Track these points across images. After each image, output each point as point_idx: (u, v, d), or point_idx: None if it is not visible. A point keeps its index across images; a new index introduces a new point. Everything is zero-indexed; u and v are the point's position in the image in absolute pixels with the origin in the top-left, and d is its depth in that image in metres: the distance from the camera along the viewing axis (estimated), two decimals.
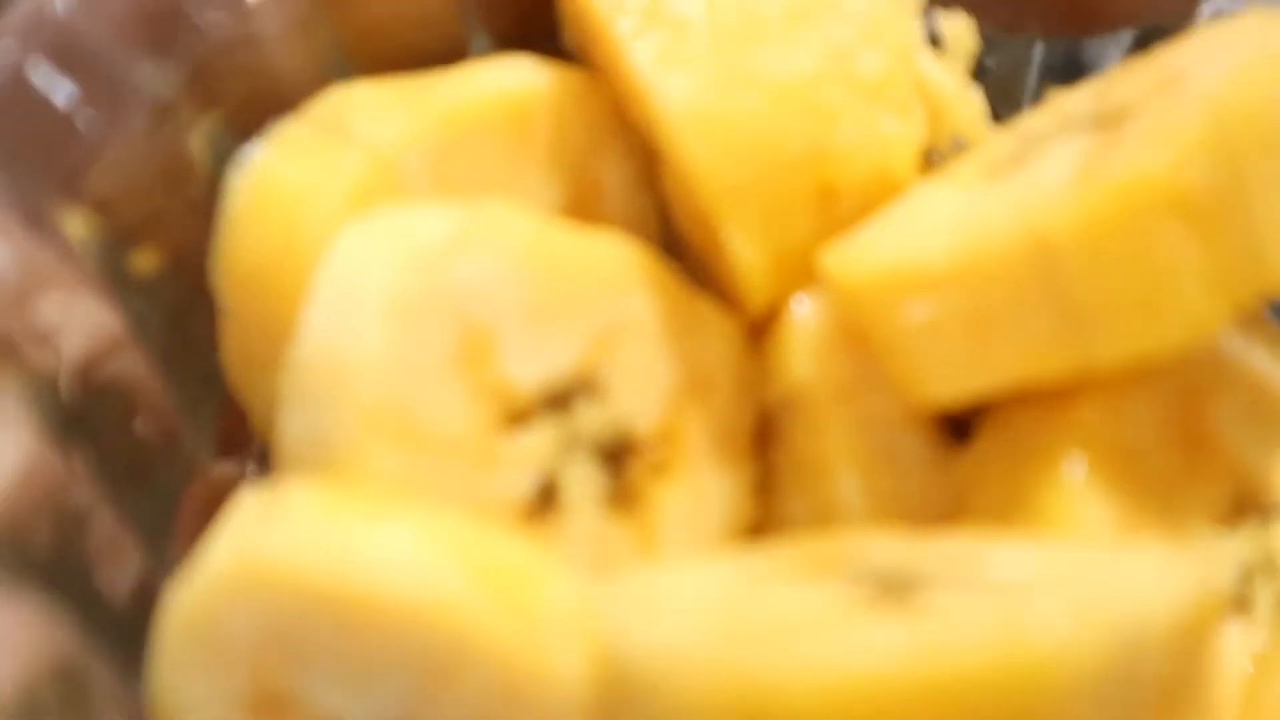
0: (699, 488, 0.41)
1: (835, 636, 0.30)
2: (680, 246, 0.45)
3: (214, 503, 0.44)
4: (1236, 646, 0.38)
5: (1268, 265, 0.36)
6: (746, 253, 0.41)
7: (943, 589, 0.32)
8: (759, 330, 0.43)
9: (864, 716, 0.29)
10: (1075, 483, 0.37)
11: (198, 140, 0.42)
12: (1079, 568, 0.33)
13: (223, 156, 0.42)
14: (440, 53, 0.45)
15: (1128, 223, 0.35)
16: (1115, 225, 0.35)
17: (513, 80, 0.43)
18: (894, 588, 0.32)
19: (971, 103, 0.44)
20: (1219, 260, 0.36)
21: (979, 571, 0.33)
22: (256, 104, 0.42)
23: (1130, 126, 0.37)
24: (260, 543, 0.35)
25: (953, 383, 0.38)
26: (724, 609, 0.32)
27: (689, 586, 0.34)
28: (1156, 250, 0.35)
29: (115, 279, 0.40)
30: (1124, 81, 0.40)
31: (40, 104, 0.38)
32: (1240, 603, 0.38)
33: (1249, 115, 0.35)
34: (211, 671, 0.35)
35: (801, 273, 0.41)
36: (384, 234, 0.39)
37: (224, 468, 0.45)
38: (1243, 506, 0.39)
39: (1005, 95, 0.47)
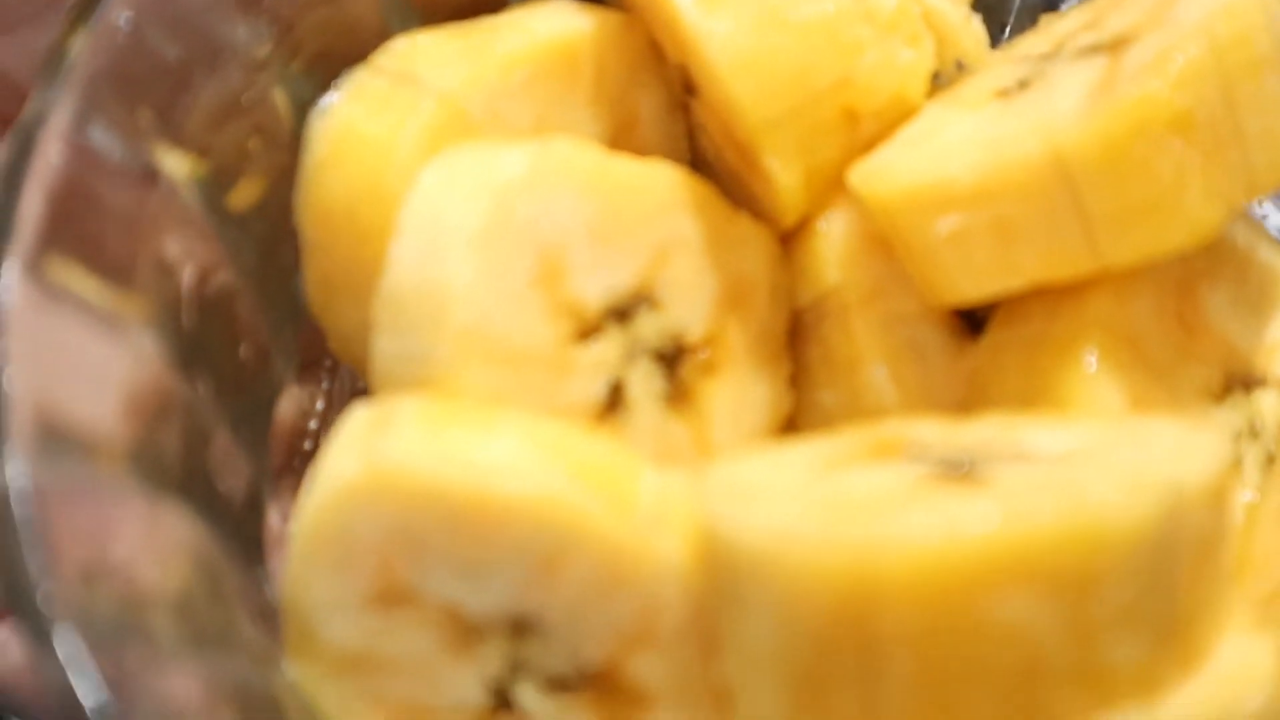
0: (742, 383, 0.45)
1: (922, 510, 0.34)
2: (706, 166, 0.48)
3: (300, 415, 0.47)
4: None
5: (1257, 173, 0.40)
6: (783, 176, 0.44)
7: (999, 463, 0.35)
8: (787, 241, 0.46)
9: (958, 579, 0.32)
10: (1089, 368, 0.41)
11: (281, 90, 0.44)
12: (1114, 441, 0.36)
13: (303, 104, 0.44)
14: None
15: (1135, 140, 0.39)
16: (1125, 142, 0.39)
17: (560, 26, 0.46)
18: (954, 465, 0.36)
19: (973, 30, 0.47)
20: (1215, 171, 0.39)
21: (1023, 448, 0.36)
22: (331, 55, 0.45)
23: (1132, 54, 0.40)
24: (381, 452, 0.37)
25: (977, 286, 0.42)
26: (812, 491, 0.36)
27: (773, 473, 0.37)
28: (1161, 164, 0.39)
29: (215, 213, 0.42)
30: (1117, 9, 0.43)
31: (153, 63, 0.40)
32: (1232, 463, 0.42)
33: (1237, 41, 0.39)
34: (341, 570, 0.38)
35: (828, 188, 0.45)
36: (465, 172, 0.41)
37: (303, 385, 0.48)
38: (1230, 381, 0.43)
39: (992, 15, 0.50)
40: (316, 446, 0.48)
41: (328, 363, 0.48)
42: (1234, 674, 0.36)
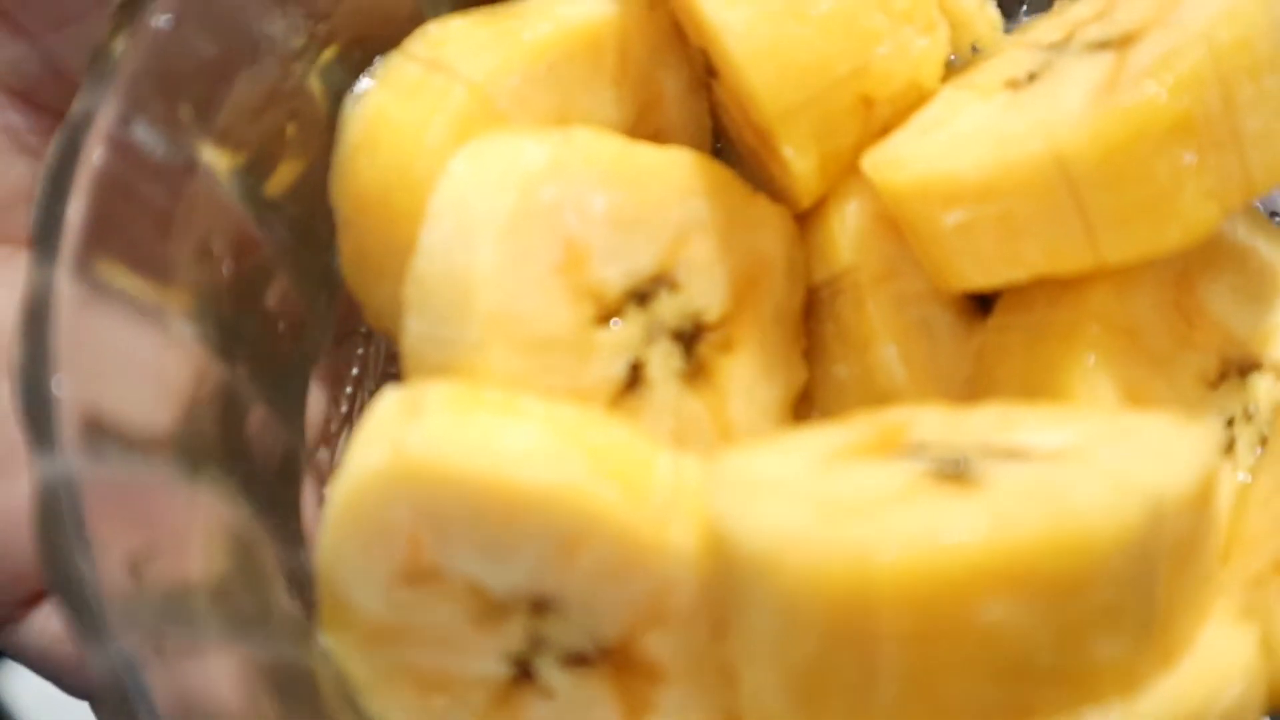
0: (758, 359, 0.46)
1: (915, 514, 0.35)
2: (728, 142, 0.49)
3: (335, 383, 0.48)
4: (1224, 482, 0.43)
5: (1254, 175, 0.40)
6: (799, 162, 0.45)
7: (992, 462, 0.37)
8: (803, 220, 0.47)
9: (947, 583, 0.34)
10: (1088, 360, 0.42)
11: (316, 77, 0.45)
12: (1105, 439, 0.38)
13: (337, 90, 0.46)
14: None
15: (1134, 143, 0.39)
16: (1123, 145, 0.39)
17: (585, 12, 0.46)
18: (949, 464, 0.37)
19: (988, 15, 0.48)
20: (1211, 174, 0.40)
21: (1017, 444, 0.38)
22: (365, 41, 0.46)
23: (1136, 53, 0.40)
24: (409, 439, 0.39)
25: (981, 275, 0.43)
26: (812, 490, 0.37)
27: (778, 468, 0.39)
28: (1158, 167, 0.40)
29: (252, 200, 0.44)
30: (1126, 3, 0.44)
31: (193, 61, 0.41)
32: (1225, 446, 0.44)
33: (1237, 46, 0.39)
34: (372, 549, 0.39)
35: (843, 172, 0.46)
36: (491, 161, 0.42)
37: (340, 352, 0.49)
38: (1226, 367, 0.44)
39: None
40: (352, 411, 0.49)
41: (363, 329, 0.50)
42: (1213, 666, 0.37)
